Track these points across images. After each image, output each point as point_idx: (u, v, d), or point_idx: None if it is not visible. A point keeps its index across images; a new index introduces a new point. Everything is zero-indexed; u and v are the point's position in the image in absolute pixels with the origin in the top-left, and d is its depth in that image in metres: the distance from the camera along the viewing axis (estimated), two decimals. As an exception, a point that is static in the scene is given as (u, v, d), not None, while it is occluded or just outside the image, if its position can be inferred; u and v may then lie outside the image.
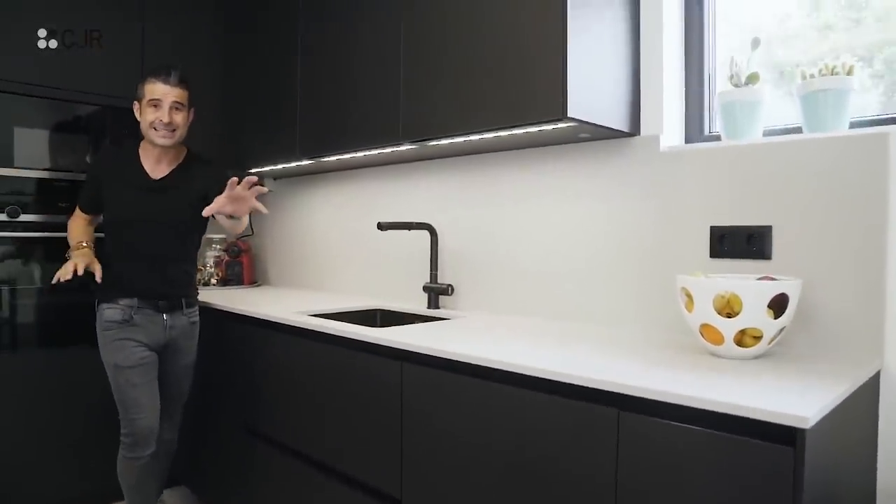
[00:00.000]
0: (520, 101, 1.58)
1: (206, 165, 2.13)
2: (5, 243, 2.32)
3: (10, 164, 2.31)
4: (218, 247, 3.05)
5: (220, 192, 1.81)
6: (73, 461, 2.41)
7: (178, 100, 2.00)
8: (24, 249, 2.36)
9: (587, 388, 1.13)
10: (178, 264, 2.08)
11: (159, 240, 2.03)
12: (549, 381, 1.19)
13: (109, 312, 1.99)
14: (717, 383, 1.08)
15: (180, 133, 2.03)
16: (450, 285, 2.12)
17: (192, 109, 2.09)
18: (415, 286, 2.30)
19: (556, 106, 1.48)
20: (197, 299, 2.17)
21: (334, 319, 2.02)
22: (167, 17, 2.68)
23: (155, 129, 1.98)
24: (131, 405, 1.96)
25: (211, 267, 3.00)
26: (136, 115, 2.04)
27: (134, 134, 2.08)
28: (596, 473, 1.12)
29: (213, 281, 2.98)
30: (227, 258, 3.00)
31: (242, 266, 3.00)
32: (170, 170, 2.07)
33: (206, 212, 1.82)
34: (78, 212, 2.15)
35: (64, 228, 2.16)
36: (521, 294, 1.97)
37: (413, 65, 1.89)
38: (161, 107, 1.97)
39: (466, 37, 1.72)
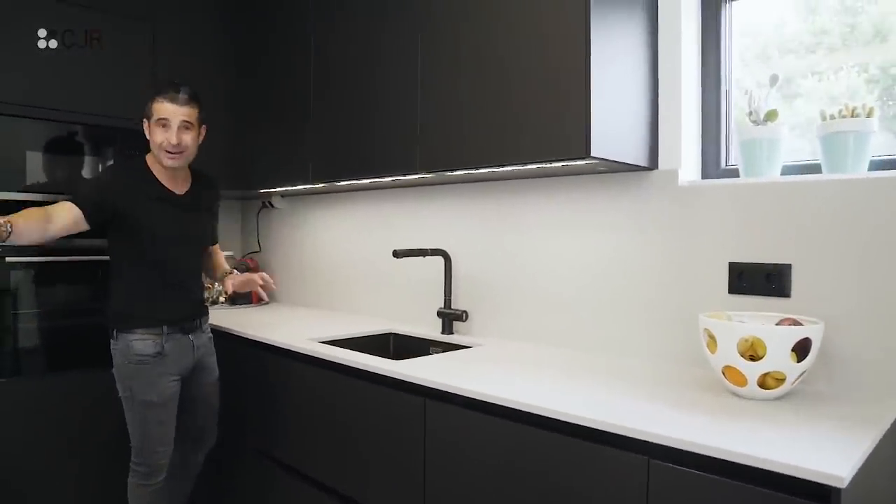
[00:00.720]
0: (542, 139, 1.59)
1: (207, 180, 2.13)
2: (17, 268, 2.30)
3: (22, 188, 2.30)
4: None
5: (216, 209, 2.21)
6: (81, 483, 2.40)
7: (187, 118, 1.91)
8: (34, 273, 2.35)
9: (618, 435, 1.14)
10: (198, 281, 2.12)
11: (188, 257, 2.04)
12: (581, 426, 1.20)
13: (140, 345, 1.90)
14: (747, 430, 1.10)
15: (190, 153, 1.95)
16: (464, 311, 2.12)
17: (204, 126, 2.01)
18: (427, 309, 2.30)
19: (579, 145, 1.49)
20: (208, 315, 2.17)
21: (347, 345, 2.02)
22: (177, 45, 2.68)
23: (166, 150, 1.90)
24: (155, 441, 1.92)
25: (219, 285, 2.99)
26: (146, 133, 1.95)
27: (144, 152, 2.01)
28: (625, 520, 1.14)
29: (222, 299, 2.97)
30: (235, 276, 3.00)
31: (251, 284, 2.99)
32: (188, 186, 2.03)
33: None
34: (68, 209, 1.79)
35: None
36: (535, 322, 1.98)
37: (430, 94, 1.89)
38: (169, 126, 1.88)
39: (486, 69, 1.72)
